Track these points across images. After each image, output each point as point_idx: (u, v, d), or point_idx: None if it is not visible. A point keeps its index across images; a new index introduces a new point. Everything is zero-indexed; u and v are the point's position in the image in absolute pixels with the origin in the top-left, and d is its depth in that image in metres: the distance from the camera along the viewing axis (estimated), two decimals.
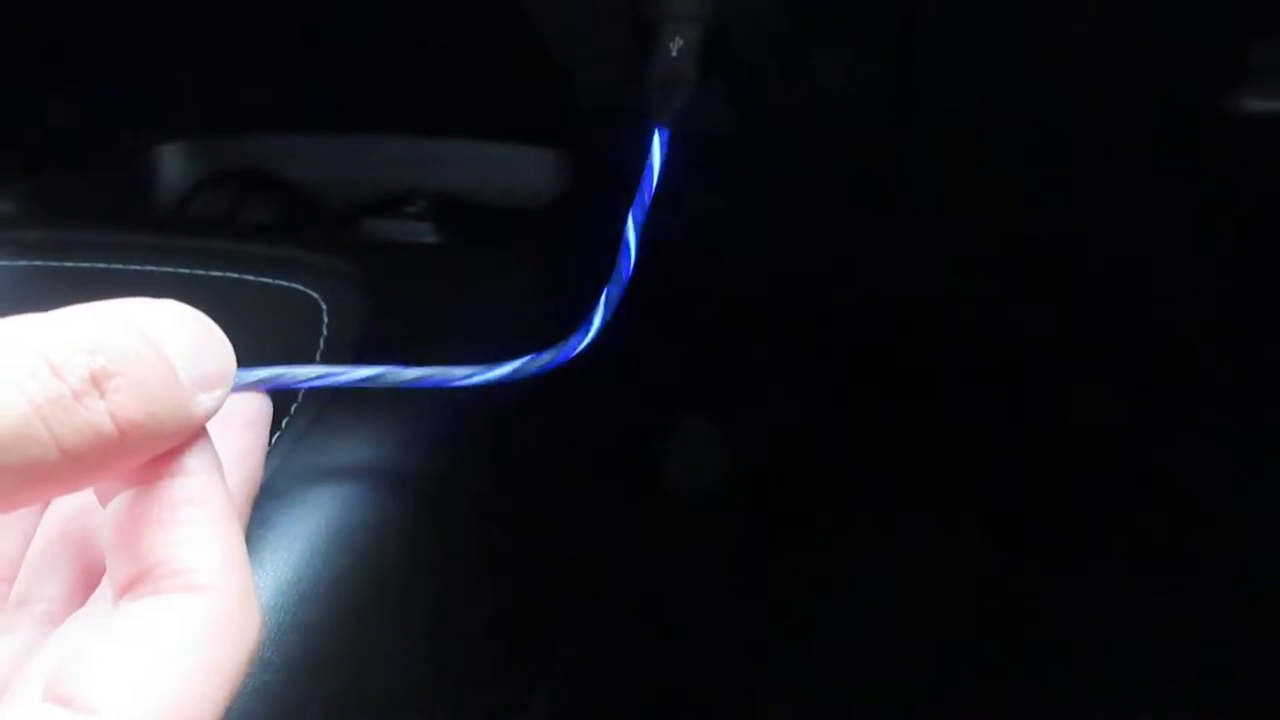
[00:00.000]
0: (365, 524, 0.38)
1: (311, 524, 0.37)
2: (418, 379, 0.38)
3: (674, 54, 0.46)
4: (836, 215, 0.60)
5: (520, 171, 0.63)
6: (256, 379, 0.33)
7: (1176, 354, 0.75)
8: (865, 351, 0.85)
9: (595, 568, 0.58)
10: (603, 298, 0.42)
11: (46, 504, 0.26)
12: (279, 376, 0.34)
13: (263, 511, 0.37)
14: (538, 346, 0.46)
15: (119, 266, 0.51)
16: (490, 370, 0.39)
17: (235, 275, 0.49)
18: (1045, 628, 0.83)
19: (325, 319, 0.47)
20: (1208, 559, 0.84)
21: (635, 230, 0.44)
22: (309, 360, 0.45)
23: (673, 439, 0.71)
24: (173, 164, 0.68)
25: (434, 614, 0.41)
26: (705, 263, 0.68)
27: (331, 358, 0.45)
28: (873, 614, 0.85)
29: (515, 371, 0.40)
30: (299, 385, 0.35)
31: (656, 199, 0.44)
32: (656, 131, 0.45)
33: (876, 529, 0.90)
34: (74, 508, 0.26)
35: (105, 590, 0.23)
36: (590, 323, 0.42)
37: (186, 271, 0.50)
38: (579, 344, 0.42)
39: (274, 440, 0.41)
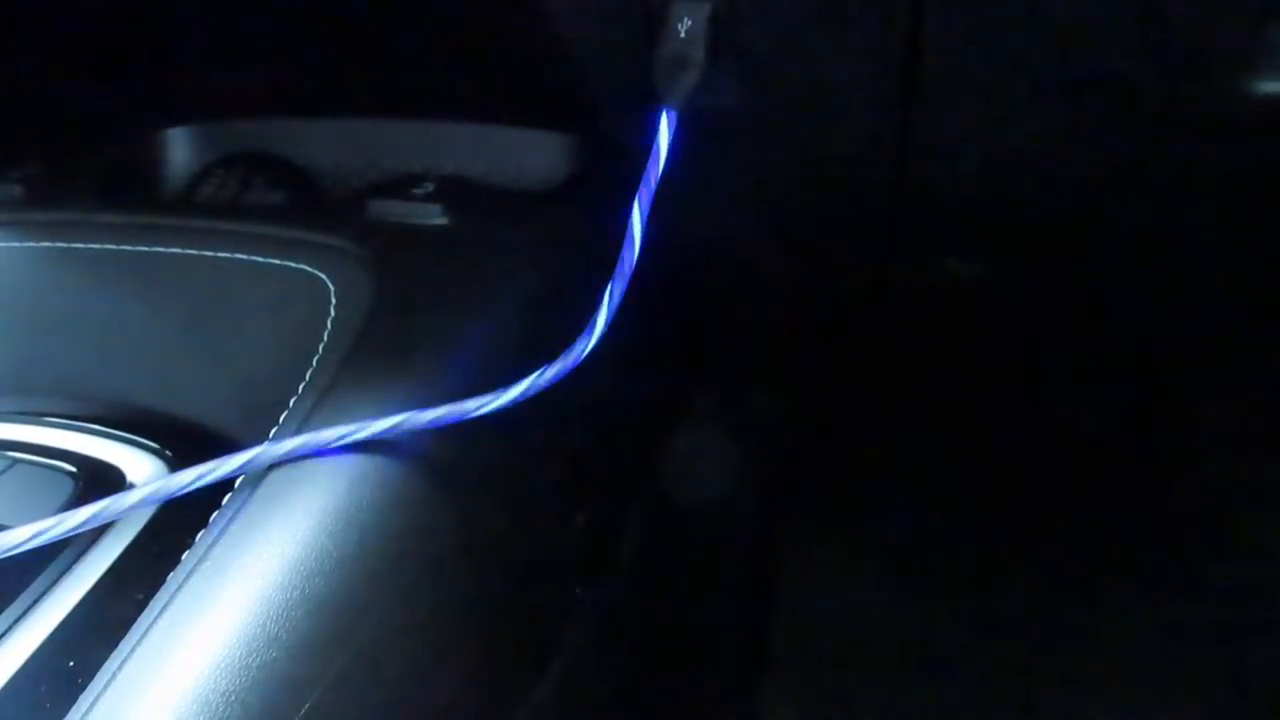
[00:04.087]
0: (373, 502, 0.38)
1: (320, 501, 0.37)
2: (436, 419, 0.38)
3: (682, 35, 0.46)
4: (845, 201, 0.60)
5: (529, 154, 0.63)
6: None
7: (1188, 345, 0.75)
8: (872, 342, 0.85)
9: (603, 554, 0.58)
10: (606, 295, 0.42)
11: None
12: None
13: (271, 488, 0.38)
14: (545, 333, 0.46)
15: (128, 248, 0.52)
16: (500, 395, 0.40)
17: (243, 257, 0.50)
18: (1055, 627, 0.83)
19: (333, 300, 0.47)
20: (1213, 546, 0.83)
21: (641, 219, 0.43)
22: (315, 341, 0.45)
23: (678, 432, 0.71)
24: (181, 147, 0.68)
25: (441, 593, 0.41)
26: (710, 251, 0.67)
27: (338, 337, 0.45)
28: (876, 614, 0.85)
29: (525, 391, 0.40)
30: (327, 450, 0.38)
31: (663, 181, 0.44)
32: (664, 113, 0.45)
33: (881, 527, 0.89)
34: None
35: None
36: (594, 324, 0.41)
37: (195, 253, 0.50)
38: (584, 348, 0.41)
39: (282, 418, 0.41)
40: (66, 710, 0.31)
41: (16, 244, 0.53)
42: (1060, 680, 0.80)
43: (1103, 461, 0.89)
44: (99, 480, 0.41)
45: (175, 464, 0.42)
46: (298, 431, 0.39)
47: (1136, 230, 0.59)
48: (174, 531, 0.38)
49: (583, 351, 0.41)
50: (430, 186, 0.54)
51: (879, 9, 0.46)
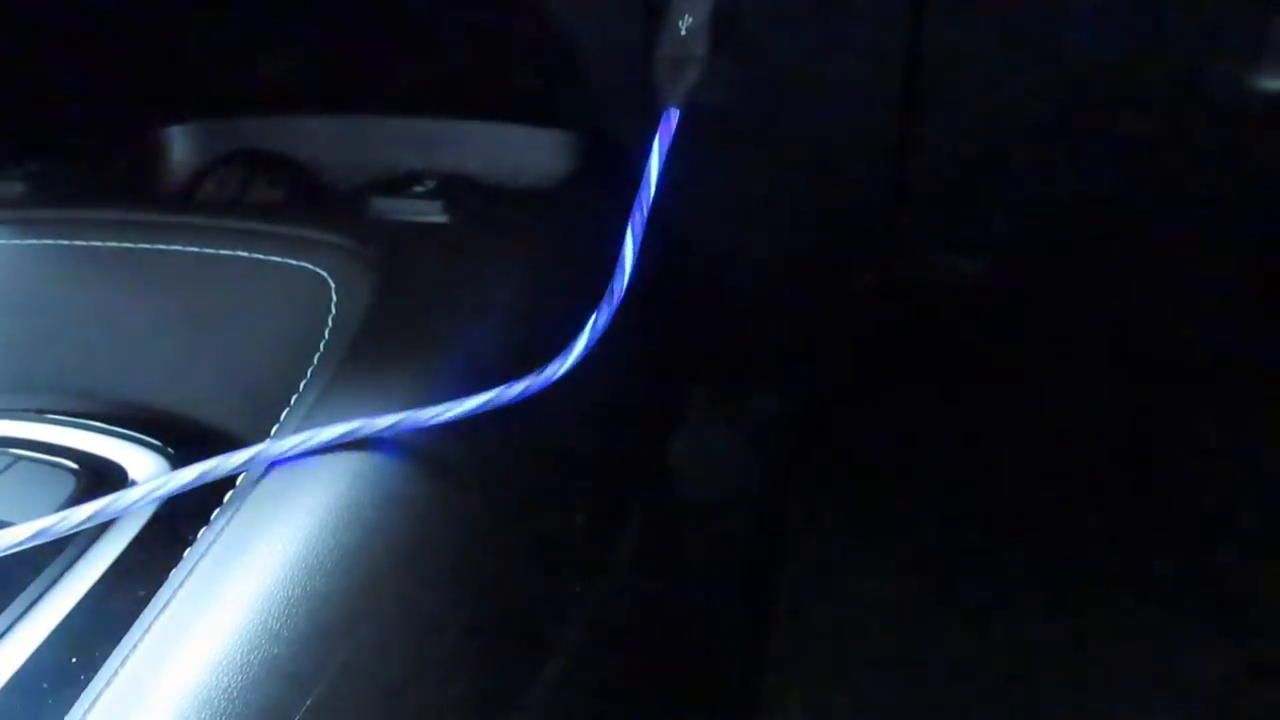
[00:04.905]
0: (374, 499, 0.38)
1: (321, 498, 0.37)
2: (437, 416, 0.39)
3: (683, 33, 0.46)
4: (847, 197, 0.60)
5: (530, 152, 0.63)
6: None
7: (1189, 340, 0.75)
8: (872, 339, 0.84)
9: (603, 552, 0.58)
10: (589, 323, 0.41)
11: None
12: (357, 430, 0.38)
13: (273, 484, 0.38)
14: (545, 330, 0.46)
15: (130, 245, 0.52)
16: (501, 393, 0.40)
17: (245, 254, 0.50)
18: (1062, 623, 0.83)
19: (334, 297, 0.47)
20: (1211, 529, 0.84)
21: (642, 216, 0.43)
22: (316, 339, 0.45)
23: (678, 432, 0.71)
24: (183, 144, 0.68)
25: (442, 589, 0.41)
26: (710, 249, 0.67)
27: (339, 335, 0.45)
28: (878, 613, 0.85)
29: (525, 390, 0.40)
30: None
31: (664, 178, 0.44)
32: (665, 110, 0.45)
33: (882, 525, 0.89)
34: None
35: None
36: (571, 348, 0.41)
37: (196, 250, 0.51)
38: (558, 370, 0.41)
39: (283, 415, 0.41)
40: (69, 707, 0.31)
41: (19, 241, 0.53)
42: (1065, 676, 0.80)
43: (1106, 457, 0.89)
44: (101, 477, 0.41)
45: (177, 461, 0.42)
46: (299, 429, 0.39)
47: (1136, 226, 0.60)
48: (176, 528, 0.38)
49: (584, 348, 0.41)
50: (431, 184, 0.54)
51: (880, 7, 0.46)
